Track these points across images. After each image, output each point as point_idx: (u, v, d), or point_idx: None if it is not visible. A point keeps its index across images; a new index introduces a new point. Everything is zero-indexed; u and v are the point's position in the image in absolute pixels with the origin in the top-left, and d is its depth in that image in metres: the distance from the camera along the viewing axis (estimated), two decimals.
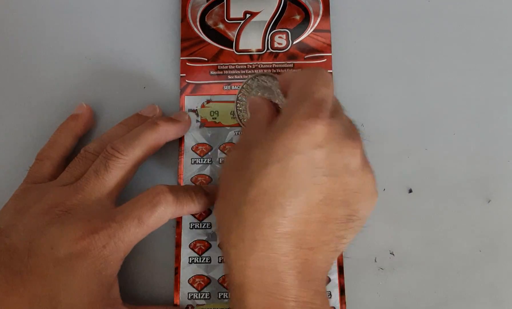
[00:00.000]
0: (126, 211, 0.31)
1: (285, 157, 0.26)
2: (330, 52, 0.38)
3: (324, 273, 0.29)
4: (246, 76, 0.38)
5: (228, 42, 0.39)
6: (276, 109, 0.33)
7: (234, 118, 0.37)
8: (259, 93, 0.36)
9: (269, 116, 0.32)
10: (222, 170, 0.31)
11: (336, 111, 0.29)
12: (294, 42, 0.39)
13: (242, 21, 0.39)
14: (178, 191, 0.33)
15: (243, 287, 0.27)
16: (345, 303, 0.34)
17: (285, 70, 0.38)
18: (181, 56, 0.39)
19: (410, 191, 0.36)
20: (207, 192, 0.35)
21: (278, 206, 0.26)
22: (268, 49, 0.39)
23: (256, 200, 0.26)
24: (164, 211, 0.31)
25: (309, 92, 0.28)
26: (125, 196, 0.34)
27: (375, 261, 0.35)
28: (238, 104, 0.37)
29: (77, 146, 0.37)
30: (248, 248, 0.27)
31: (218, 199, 0.31)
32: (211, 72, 0.38)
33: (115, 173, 0.32)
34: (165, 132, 0.35)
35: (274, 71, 0.38)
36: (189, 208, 0.33)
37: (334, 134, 0.27)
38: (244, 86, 0.37)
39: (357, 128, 0.29)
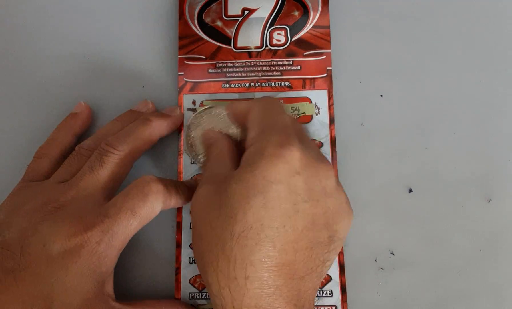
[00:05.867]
0: (118, 204, 0.30)
1: (266, 188, 0.26)
2: (330, 48, 0.38)
3: (313, 302, 0.29)
4: (245, 74, 0.38)
5: (226, 40, 0.38)
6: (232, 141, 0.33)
7: (188, 154, 0.36)
8: (211, 127, 0.36)
9: (229, 148, 0.32)
10: (194, 210, 0.30)
11: (303, 137, 0.29)
12: (293, 39, 0.38)
13: (240, 18, 0.39)
14: (166, 180, 0.33)
15: None
16: (346, 301, 0.34)
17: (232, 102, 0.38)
18: (179, 54, 0.38)
19: (410, 191, 0.36)
20: (187, 185, 0.35)
21: (266, 239, 0.26)
22: (266, 46, 0.38)
23: (243, 236, 0.26)
24: (156, 199, 0.31)
25: (273, 122, 0.29)
26: None
27: (375, 261, 0.35)
28: (190, 141, 0.36)
29: (76, 145, 0.36)
30: (242, 286, 0.26)
31: (195, 239, 0.29)
32: (210, 70, 0.38)
33: (110, 168, 0.32)
34: (158, 128, 0.35)
35: (274, 68, 0.38)
36: (176, 199, 0.33)
37: (308, 160, 0.27)
38: (192, 121, 0.36)
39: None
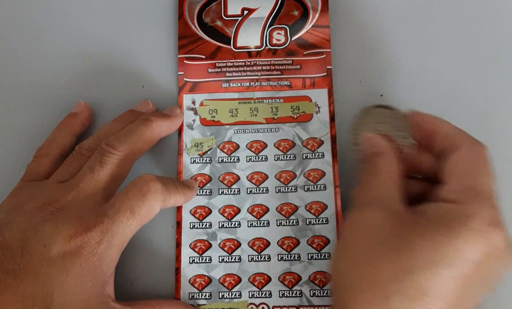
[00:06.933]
0: (117, 204, 0.30)
1: (460, 265, 0.24)
2: (329, 48, 0.38)
3: None
4: (245, 73, 0.38)
5: (226, 39, 0.38)
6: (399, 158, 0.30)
7: (352, 140, 0.33)
8: (382, 123, 0.33)
9: (399, 172, 0.30)
10: (354, 230, 0.28)
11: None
12: (293, 38, 0.38)
13: (240, 18, 0.39)
14: (164, 179, 0.33)
15: None
16: None
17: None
18: (179, 54, 0.38)
19: None
20: (187, 185, 0.35)
21: None
22: (266, 45, 0.38)
23: (415, 298, 0.24)
24: (154, 198, 0.31)
25: (483, 185, 0.27)
26: None
27: None
28: (355, 135, 0.33)
29: (75, 145, 0.36)
30: None
31: (343, 259, 0.28)
32: (209, 70, 0.38)
33: (110, 169, 0.32)
34: (159, 128, 0.35)
35: (273, 68, 0.38)
36: (175, 198, 0.33)
37: (509, 247, 0.25)
38: (361, 115, 0.34)
39: None
